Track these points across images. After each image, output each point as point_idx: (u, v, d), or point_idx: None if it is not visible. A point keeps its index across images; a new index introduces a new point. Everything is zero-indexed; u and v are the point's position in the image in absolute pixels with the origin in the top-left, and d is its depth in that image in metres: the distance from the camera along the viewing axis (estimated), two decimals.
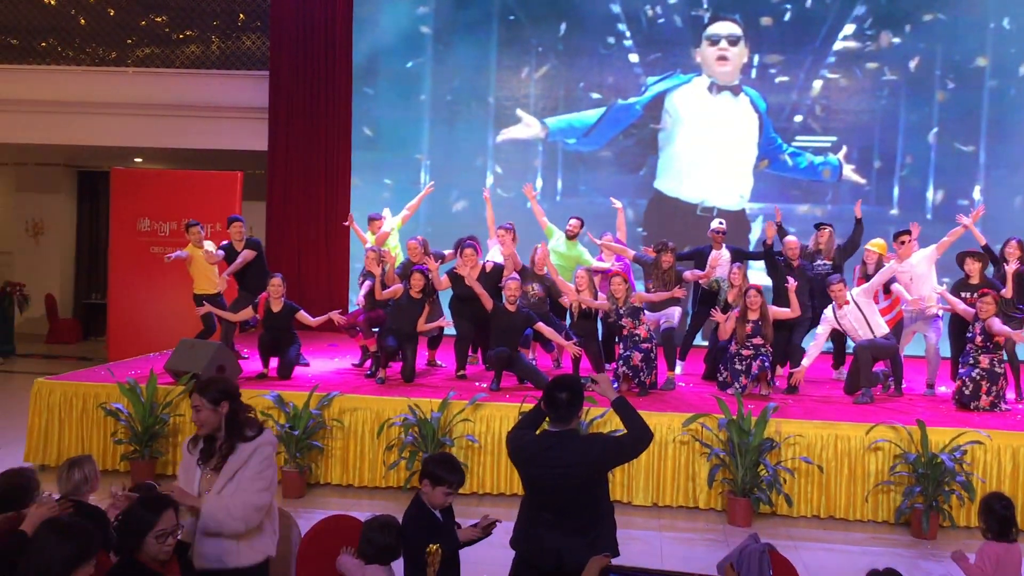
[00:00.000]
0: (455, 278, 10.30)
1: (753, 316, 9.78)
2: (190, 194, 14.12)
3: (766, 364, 9.66)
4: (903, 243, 10.50)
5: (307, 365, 10.86)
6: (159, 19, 16.18)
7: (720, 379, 9.97)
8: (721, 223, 11.23)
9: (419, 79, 14.56)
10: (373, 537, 4.86)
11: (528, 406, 8.31)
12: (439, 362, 11.18)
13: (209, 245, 11.23)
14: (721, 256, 10.94)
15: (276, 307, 10.12)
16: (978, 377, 9.37)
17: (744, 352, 9.73)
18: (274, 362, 10.18)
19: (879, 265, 10.31)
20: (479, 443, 8.82)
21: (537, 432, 5.02)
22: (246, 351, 11.28)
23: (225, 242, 11.24)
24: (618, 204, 11.85)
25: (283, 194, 14.52)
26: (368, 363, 10.71)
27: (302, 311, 10.30)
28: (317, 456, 8.99)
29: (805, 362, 9.79)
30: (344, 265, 14.28)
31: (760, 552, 4.75)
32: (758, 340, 9.75)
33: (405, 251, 11.04)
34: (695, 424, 8.62)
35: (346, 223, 12.27)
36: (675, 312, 10.49)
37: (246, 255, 11.03)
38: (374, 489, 9.01)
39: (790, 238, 10.70)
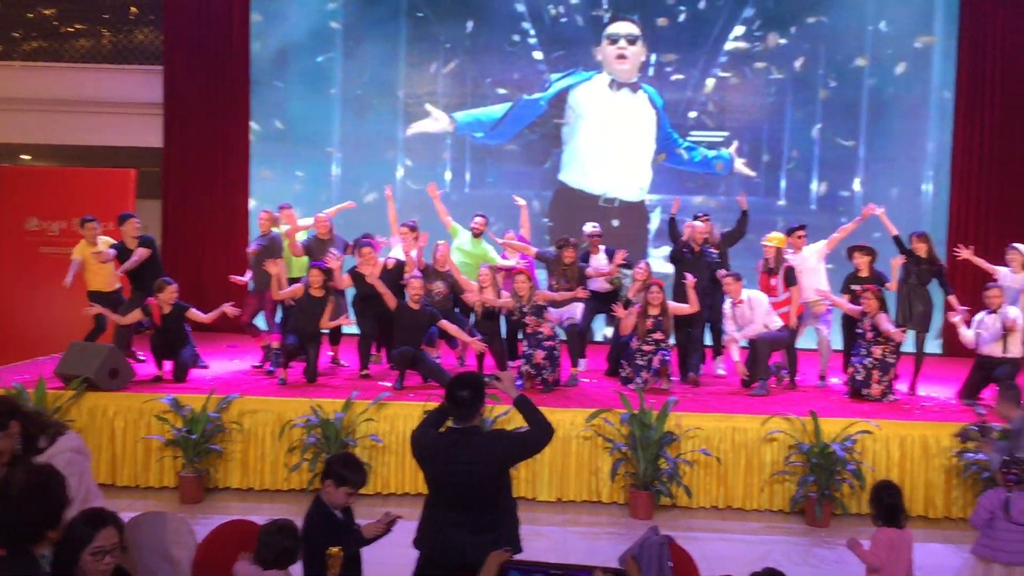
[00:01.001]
0: (357, 277, 9.63)
1: (654, 311, 9.32)
2: (81, 192, 12.86)
3: (667, 358, 9.22)
4: (799, 237, 10.21)
5: (206, 367, 9.98)
6: (47, 12, 14.87)
7: (622, 375, 9.48)
8: (595, 226, 10.76)
9: (329, 73, 13.83)
10: (270, 541, 4.39)
11: (432, 405, 7.80)
12: (342, 361, 10.45)
13: (104, 242, 10.28)
14: (599, 260, 10.45)
15: (166, 309, 9.21)
16: (870, 365, 9.07)
17: (645, 347, 9.27)
18: (169, 364, 9.31)
19: (778, 258, 9.89)
20: (383, 443, 8.22)
21: (441, 430, 4.76)
22: (141, 353, 10.29)
23: (116, 241, 10.30)
24: (521, 202, 11.28)
25: (180, 191, 13.46)
26: (268, 364, 10.00)
27: (192, 309, 9.37)
28: (216, 460, 8.27)
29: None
30: (244, 262, 13.11)
31: (660, 544, 4.57)
32: (659, 335, 9.30)
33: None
34: (598, 419, 8.18)
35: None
36: (578, 308, 9.99)
37: (141, 253, 10.10)
38: (276, 492, 8.32)
39: (696, 223, 10.23)
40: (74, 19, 14.75)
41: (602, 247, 10.62)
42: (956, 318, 9.32)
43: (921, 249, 9.76)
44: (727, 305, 9.61)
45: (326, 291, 9.32)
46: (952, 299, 9.71)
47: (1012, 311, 9.23)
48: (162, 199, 13.89)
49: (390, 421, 8.26)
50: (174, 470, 8.21)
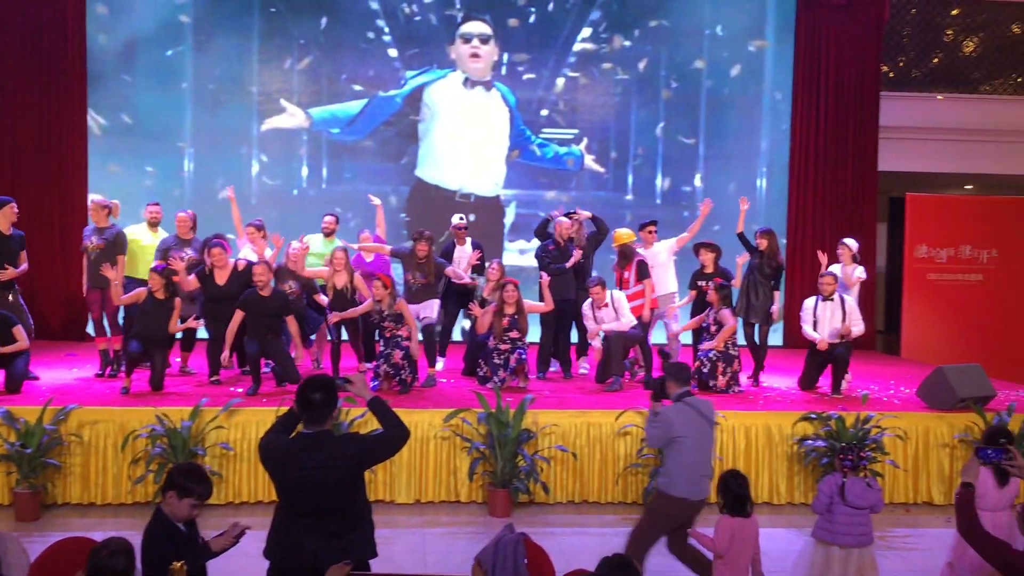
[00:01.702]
0: (205, 279, 8.84)
1: (510, 310, 8.93)
2: None
3: (523, 357, 8.84)
4: (650, 232, 10.00)
5: (36, 379, 8.84)
6: None
7: (480, 374, 9.06)
8: (462, 218, 10.38)
9: (180, 67, 12.87)
10: (103, 563, 3.79)
11: (285, 409, 7.27)
12: (190, 369, 9.56)
13: None
14: (465, 251, 10.04)
15: None
16: (715, 358, 8.92)
17: (502, 346, 8.87)
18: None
19: (629, 252, 9.65)
20: (234, 450, 7.55)
21: (292, 436, 4.38)
22: None
23: None
24: (376, 201, 10.73)
25: (10, 193, 11.07)
26: (109, 369, 9.18)
27: (18, 327, 8.33)
28: (53, 475, 7.41)
29: None
30: (81, 265, 11.11)
31: (514, 542, 4.37)
32: (515, 334, 8.92)
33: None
34: (455, 419, 7.74)
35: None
36: (434, 305, 9.50)
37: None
38: (119, 506, 7.52)
39: (562, 219, 9.86)
40: None
41: (469, 239, 10.19)
42: (773, 308, 9.55)
43: (764, 244, 9.68)
44: (587, 306, 9.32)
45: (171, 294, 8.48)
46: (776, 295, 9.71)
47: (858, 271, 9.63)
48: None
49: (241, 428, 7.58)
50: (7, 487, 7.31)
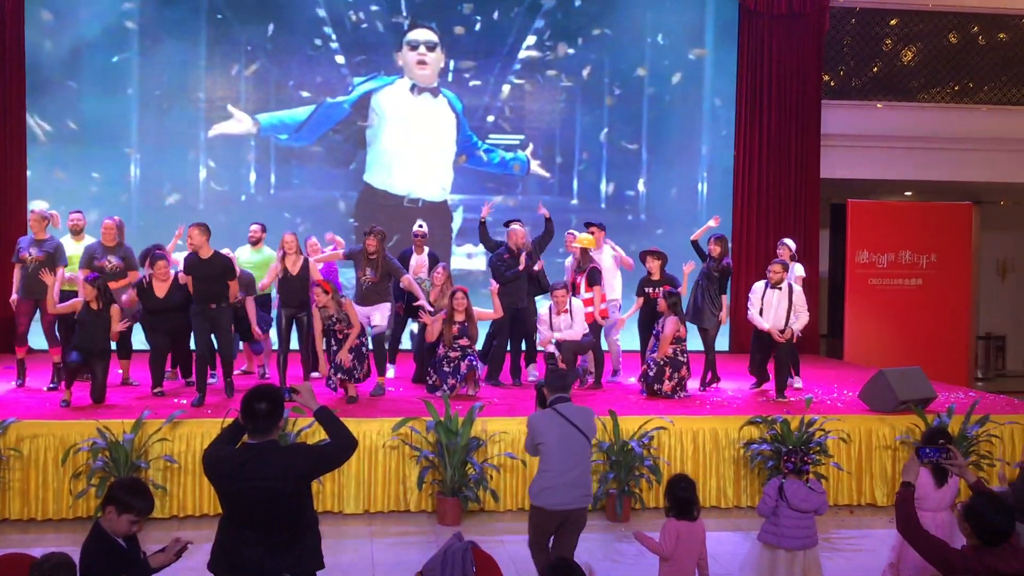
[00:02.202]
0: (144, 291, 8.33)
1: (459, 317, 8.59)
2: None
3: (474, 364, 8.51)
4: (592, 234, 9.68)
5: None
6: None
7: (429, 382, 8.72)
8: (421, 226, 10.02)
9: (126, 74, 12.27)
10: None
11: (230, 421, 6.87)
12: (133, 380, 9.04)
13: None
14: (422, 259, 9.71)
15: None
16: (662, 363, 8.65)
17: (452, 354, 8.54)
18: None
19: (585, 258, 9.39)
20: (178, 463, 7.10)
21: (237, 446, 4.11)
22: None
23: None
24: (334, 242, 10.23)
25: None
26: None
27: None
28: None
29: None
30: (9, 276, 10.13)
31: (463, 551, 4.35)
32: (464, 341, 8.58)
33: None
34: (404, 428, 7.38)
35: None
36: (384, 311, 9.08)
37: None
38: (60, 522, 7.04)
39: (516, 226, 9.51)
40: None
41: (427, 248, 9.84)
42: (722, 313, 9.33)
43: (716, 250, 9.43)
44: (544, 311, 9.02)
45: (106, 303, 7.96)
46: (724, 298, 9.49)
47: (798, 268, 9.57)
48: None
49: (186, 440, 7.14)
50: None
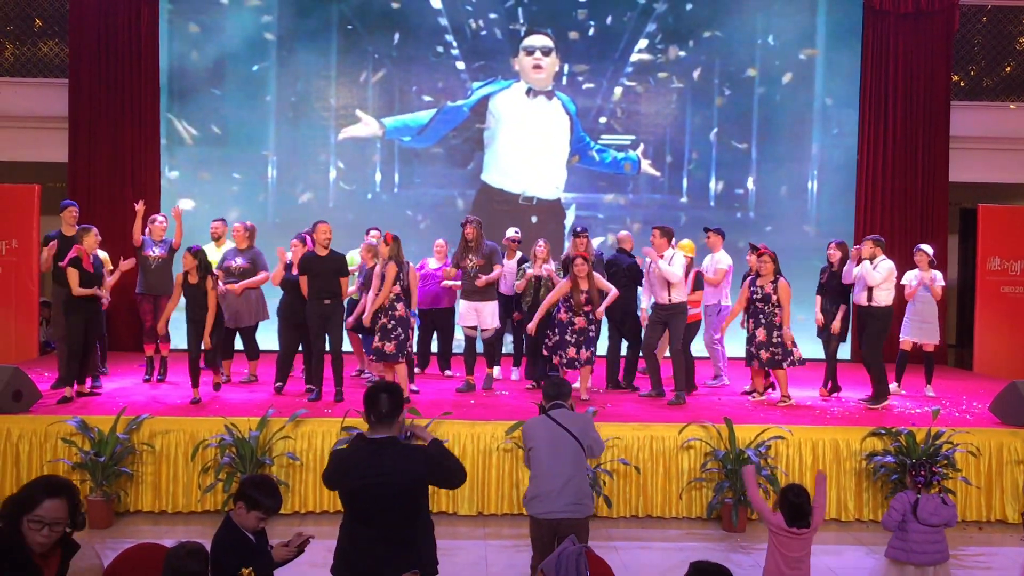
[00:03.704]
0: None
1: (584, 285, 7.82)
2: None
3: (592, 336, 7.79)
4: (708, 238, 8.86)
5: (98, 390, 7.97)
6: None
7: (547, 344, 7.99)
8: (516, 232, 9.39)
9: (264, 82, 12.00)
10: (178, 566, 3.45)
11: (351, 420, 6.35)
12: (255, 376, 8.67)
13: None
14: (511, 265, 8.99)
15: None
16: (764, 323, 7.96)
17: (577, 320, 7.78)
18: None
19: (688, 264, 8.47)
20: (300, 460, 6.62)
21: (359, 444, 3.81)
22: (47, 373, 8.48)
23: (54, 231, 8.42)
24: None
25: (86, 206, 10.35)
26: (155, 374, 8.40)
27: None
28: (126, 483, 6.59)
29: None
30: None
31: (577, 554, 3.92)
32: (589, 307, 7.82)
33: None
34: (517, 431, 6.67)
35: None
36: (492, 308, 8.41)
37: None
38: (189, 514, 6.68)
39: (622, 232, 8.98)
40: None
41: (519, 253, 9.15)
42: (835, 323, 8.31)
43: (836, 256, 8.43)
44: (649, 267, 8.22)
45: (202, 276, 7.55)
46: (843, 307, 8.42)
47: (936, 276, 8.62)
48: None
49: (307, 438, 6.68)
50: (82, 495, 6.48)
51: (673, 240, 8.17)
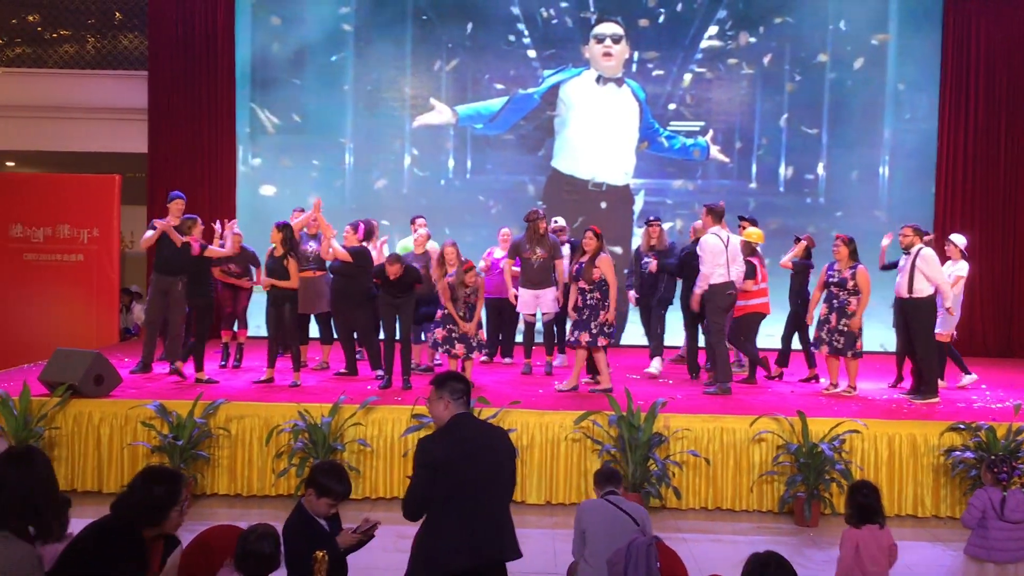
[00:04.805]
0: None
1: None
2: (65, 198, 10.55)
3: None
4: (742, 228, 8.27)
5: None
6: (31, 18, 12.23)
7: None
8: (556, 221, 9.15)
9: (342, 71, 11.80)
10: (251, 548, 3.32)
11: (420, 408, 6.08)
12: (326, 362, 8.54)
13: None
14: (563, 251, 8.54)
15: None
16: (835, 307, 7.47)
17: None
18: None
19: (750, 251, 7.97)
20: (371, 447, 6.39)
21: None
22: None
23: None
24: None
25: (165, 197, 9.54)
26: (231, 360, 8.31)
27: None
28: (203, 466, 6.46)
29: None
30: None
31: (647, 545, 3.78)
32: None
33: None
34: (586, 421, 6.37)
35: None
36: (551, 295, 8.11)
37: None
38: (264, 498, 6.52)
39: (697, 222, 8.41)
40: (58, 25, 12.24)
41: (569, 240, 8.81)
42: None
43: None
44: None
45: (287, 251, 7.46)
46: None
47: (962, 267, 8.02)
48: (147, 205, 11.49)
49: (378, 425, 6.45)
50: None
51: (722, 220, 7.62)
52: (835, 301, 7.36)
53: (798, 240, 8.44)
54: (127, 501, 3.14)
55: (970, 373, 8.22)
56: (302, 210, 8.74)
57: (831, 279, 7.41)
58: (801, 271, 8.23)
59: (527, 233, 8.21)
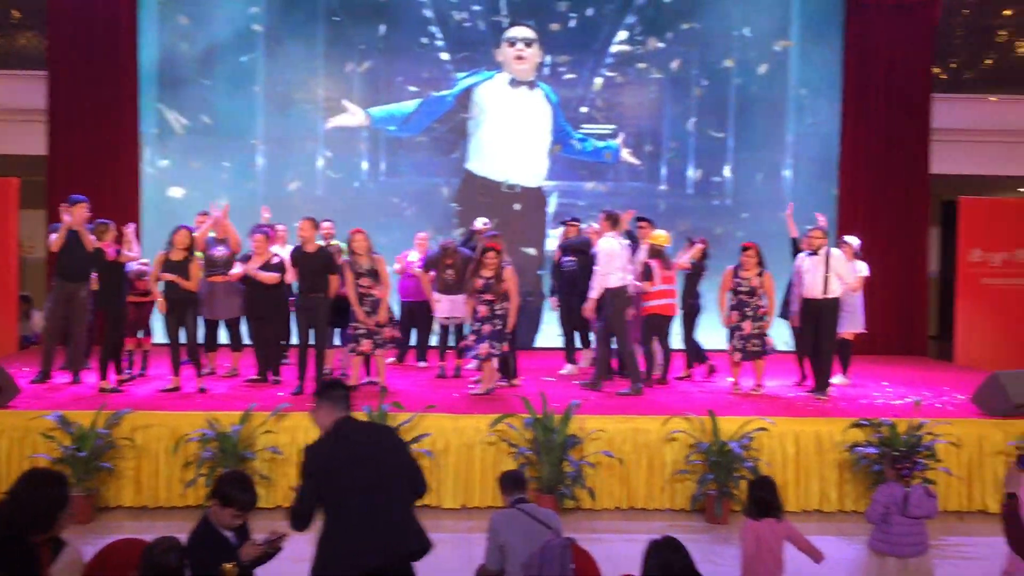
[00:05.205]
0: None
1: (486, 273, 7.17)
2: None
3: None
4: (641, 227, 8.24)
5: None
6: None
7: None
8: (486, 223, 8.91)
9: (253, 72, 11.32)
10: (155, 561, 3.19)
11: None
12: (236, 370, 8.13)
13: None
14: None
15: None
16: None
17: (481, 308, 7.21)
18: None
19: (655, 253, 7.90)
20: (283, 454, 6.09)
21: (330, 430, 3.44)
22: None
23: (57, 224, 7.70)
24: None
25: (66, 200, 8.49)
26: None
27: None
28: (107, 478, 6.06)
29: None
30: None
31: (561, 547, 3.73)
32: (489, 296, 7.18)
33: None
34: (501, 424, 6.19)
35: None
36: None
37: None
38: (171, 509, 6.16)
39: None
40: None
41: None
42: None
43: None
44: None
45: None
46: None
47: (861, 267, 7.97)
48: (47, 208, 10.62)
49: (290, 432, 6.15)
50: None
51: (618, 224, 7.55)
52: (746, 309, 7.41)
53: (691, 242, 8.46)
54: (13, 509, 3.02)
55: (845, 375, 8.38)
56: (206, 213, 8.29)
57: (740, 288, 7.44)
58: (697, 273, 8.25)
59: (440, 257, 8.12)
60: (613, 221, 7.46)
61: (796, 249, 8.05)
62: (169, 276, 7.01)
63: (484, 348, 7.01)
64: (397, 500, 3.42)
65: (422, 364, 8.91)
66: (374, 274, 7.12)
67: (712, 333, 8.67)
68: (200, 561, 3.33)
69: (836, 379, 8.15)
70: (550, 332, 10.45)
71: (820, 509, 6.39)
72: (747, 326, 7.40)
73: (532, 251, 11.41)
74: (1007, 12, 12.02)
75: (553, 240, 11.48)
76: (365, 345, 7.07)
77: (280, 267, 7.41)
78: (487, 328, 7.01)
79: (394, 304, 8.29)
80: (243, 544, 3.48)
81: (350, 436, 3.44)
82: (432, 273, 8.40)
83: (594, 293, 7.26)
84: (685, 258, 8.27)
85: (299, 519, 3.36)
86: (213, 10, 11.30)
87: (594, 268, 7.33)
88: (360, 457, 3.38)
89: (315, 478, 3.33)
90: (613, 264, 7.26)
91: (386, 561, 3.30)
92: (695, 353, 8.42)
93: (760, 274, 7.41)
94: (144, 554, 3.24)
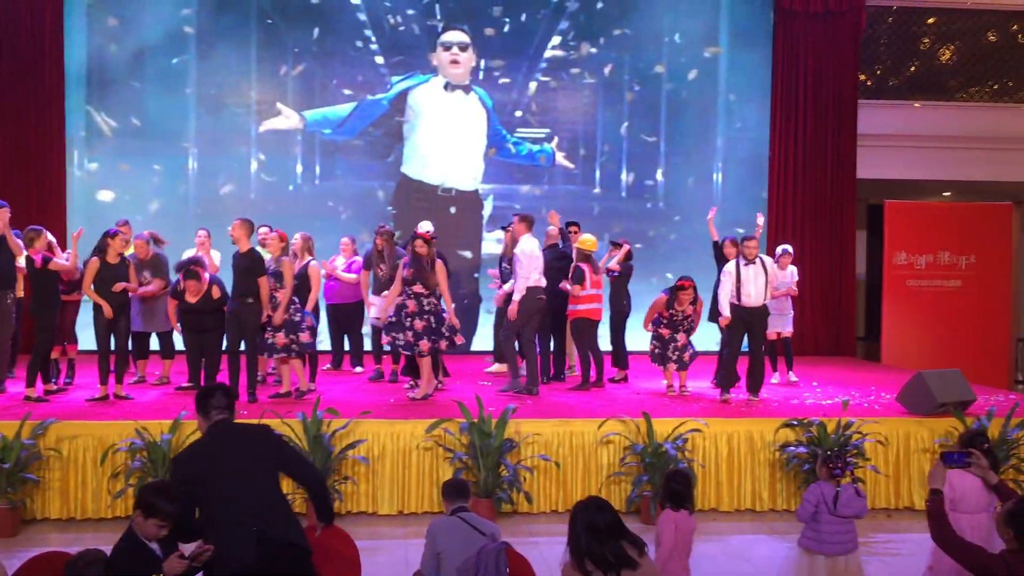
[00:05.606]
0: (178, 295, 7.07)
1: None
2: None
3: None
4: (573, 232, 8.13)
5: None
6: None
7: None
8: (429, 229, 8.55)
9: (184, 75, 10.90)
10: (77, 574, 3.08)
11: (269, 421, 5.56)
12: (168, 377, 7.76)
13: None
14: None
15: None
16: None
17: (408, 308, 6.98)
18: None
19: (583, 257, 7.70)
20: None
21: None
22: None
23: None
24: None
25: None
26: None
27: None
28: (32, 490, 5.69)
29: None
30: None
31: (496, 551, 3.65)
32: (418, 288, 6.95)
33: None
34: (438, 430, 5.97)
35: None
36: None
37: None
38: (99, 521, 5.80)
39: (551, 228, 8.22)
40: None
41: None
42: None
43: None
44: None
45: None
46: None
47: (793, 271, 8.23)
48: None
49: None
50: None
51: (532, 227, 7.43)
52: (680, 327, 7.49)
53: (616, 244, 8.37)
54: None
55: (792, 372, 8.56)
56: (127, 222, 7.91)
57: (675, 318, 7.48)
58: (625, 274, 8.16)
59: (374, 250, 7.85)
60: (528, 223, 7.36)
61: (718, 252, 8.01)
62: (128, 285, 6.79)
63: (425, 344, 6.77)
64: (268, 503, 3.40)
65: (358, 370, 8.64)
66: (278, 276, 6.88)
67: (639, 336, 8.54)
68: (123, 574, 3.18)
69: (791, 377, 8.38)
70: (487, 335, 10.25)
71: (753, 508, 6.31)
72: (681, 338, 7.50)
73: (468, 254, 11.22)
74: (930, 20, 12.22)
75: (489, 243, 11.38)
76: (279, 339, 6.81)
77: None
78: (420, 324, 6.76)
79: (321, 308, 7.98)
80: (168, 556, 3.27)
81: (218, 439, 3.45)
82: (366, 272, 8.09)
83: (517, 295, 7.10)
84: (614, 262, 8.17)
85: (176, 528, 3.32)
86: (143, 12, 10.86)
87: (515, 270, 7.16)
88: (227, 458, 3.38)
89: (182, 485, 3.36)
90: (533, 265, 7.13)
91: (271, 550, 3.31)
92: (624, 358, 8.30)
93: (694, 302, 7.47)
94: (66, 568, 3.13)
